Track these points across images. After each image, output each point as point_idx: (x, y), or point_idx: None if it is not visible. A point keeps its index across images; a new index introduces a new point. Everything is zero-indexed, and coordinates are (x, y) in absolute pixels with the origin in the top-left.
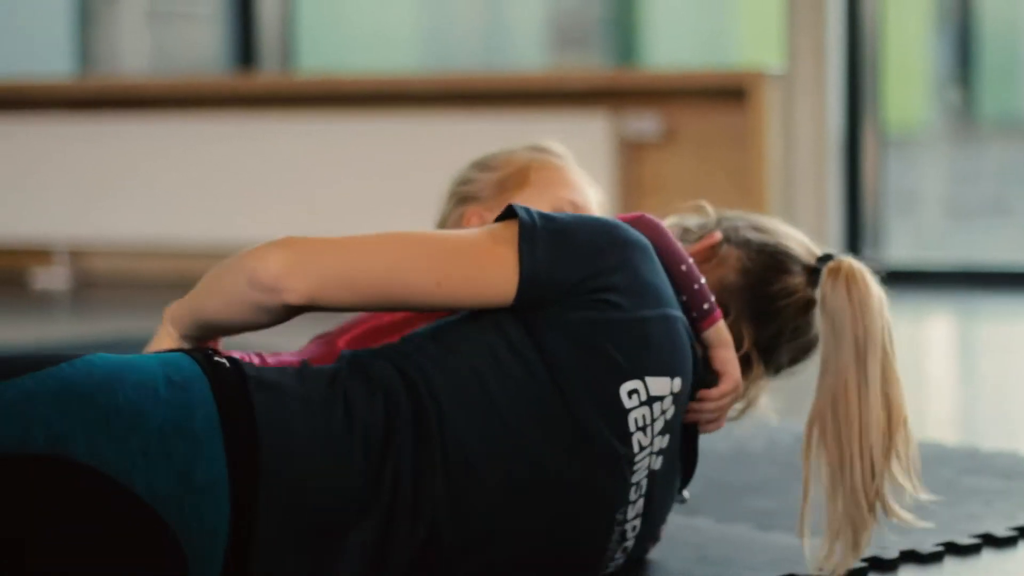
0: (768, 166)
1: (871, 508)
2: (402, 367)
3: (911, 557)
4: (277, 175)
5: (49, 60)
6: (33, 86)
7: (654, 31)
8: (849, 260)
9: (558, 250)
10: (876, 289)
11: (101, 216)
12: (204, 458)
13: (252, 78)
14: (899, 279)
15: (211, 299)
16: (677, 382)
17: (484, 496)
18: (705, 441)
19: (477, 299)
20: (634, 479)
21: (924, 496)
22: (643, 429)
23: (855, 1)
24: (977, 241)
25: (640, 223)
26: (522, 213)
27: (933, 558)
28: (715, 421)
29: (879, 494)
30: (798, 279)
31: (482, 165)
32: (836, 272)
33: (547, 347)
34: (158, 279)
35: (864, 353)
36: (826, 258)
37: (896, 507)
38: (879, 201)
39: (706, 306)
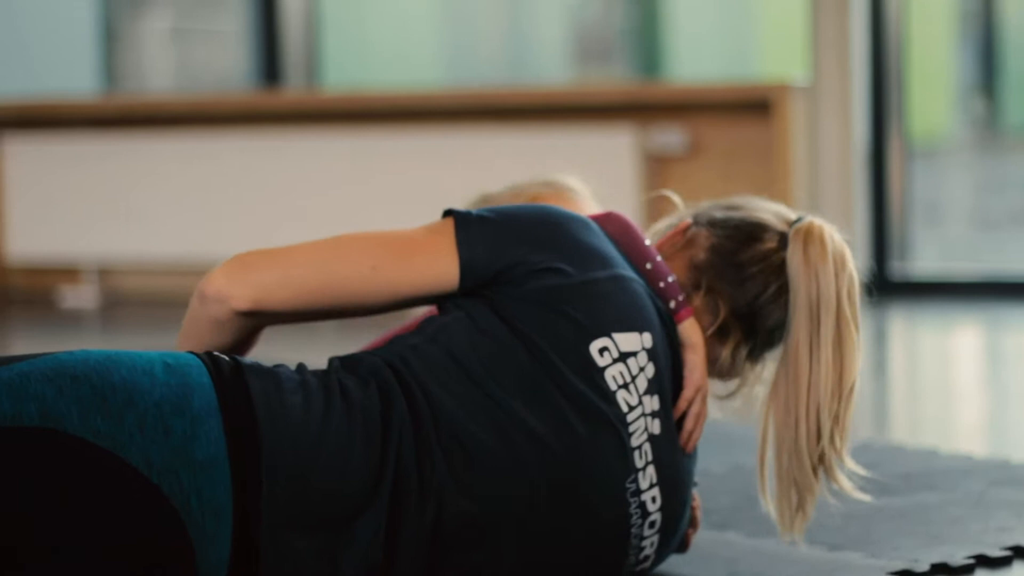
0: (793, 178)
1: (815, 469)
2: (387, 359)
3: (942, 570)
4: (303, 191)
5: (74, 78)
6: (58, 104)
7: (678, 44)
8: (811, 220)
9: (494, 233)
10: (836, 248)
11: (128, 234)
12: (202, 436)
13: (277, 95)
14: (925, 290)
15: (186, 331)
16: (647, 337)
17: (486, 473)
18: (736, 455)
19: (419, 283)
20: (634, 442)
21: (850, 464)
22: (625, 387)
23: (879, 12)
24: (1003, 251)
25: (608, 220)
26: (458, 208)
27: (964, 570)
28: (695, 429)
29: (824, 457)
30: (769, 245)
31: (491, 199)
32: (798, 233)
33: (512, 319)
34: (186, 297)
35: (817, 312)
36: (796, 222)
37: (839, 473)
38: (905, 212)
39: (672, 304)
